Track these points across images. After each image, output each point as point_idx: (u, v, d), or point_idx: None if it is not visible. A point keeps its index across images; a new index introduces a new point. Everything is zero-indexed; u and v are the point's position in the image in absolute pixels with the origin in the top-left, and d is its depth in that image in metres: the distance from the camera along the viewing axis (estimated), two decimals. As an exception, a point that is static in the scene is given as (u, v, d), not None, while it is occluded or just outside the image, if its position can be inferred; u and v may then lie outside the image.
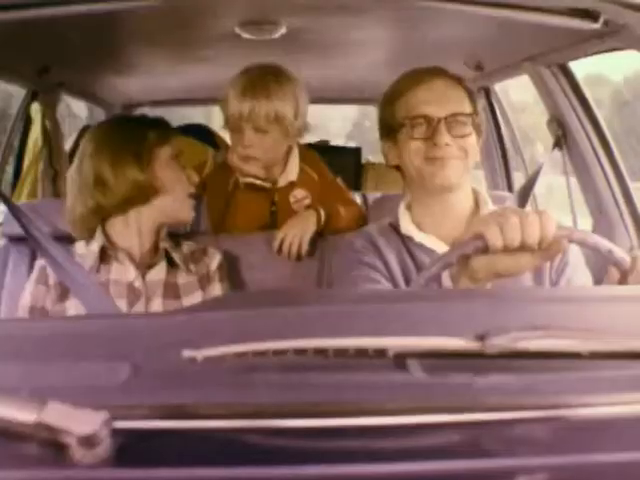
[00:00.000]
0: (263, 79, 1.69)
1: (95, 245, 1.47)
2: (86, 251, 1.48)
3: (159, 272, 1.48)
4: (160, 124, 1.53)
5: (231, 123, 1.71)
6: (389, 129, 1.36)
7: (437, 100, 1.29)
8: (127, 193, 1.46)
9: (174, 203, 1.49)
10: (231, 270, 1.65)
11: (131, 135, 1.49)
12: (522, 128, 2.85)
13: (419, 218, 1.36)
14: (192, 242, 1.58)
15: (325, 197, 1.83)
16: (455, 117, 1.29)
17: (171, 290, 1.47)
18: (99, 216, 1.48)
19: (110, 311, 1.35)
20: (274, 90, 1.68)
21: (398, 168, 1.39)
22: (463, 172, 1.31)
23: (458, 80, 1.35)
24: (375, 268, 1.30)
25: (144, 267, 1.47)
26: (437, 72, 1.34)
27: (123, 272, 1.45)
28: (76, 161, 1.50)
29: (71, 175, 1.51)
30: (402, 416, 0.54)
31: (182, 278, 1.49)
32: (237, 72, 1.76)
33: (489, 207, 1.35)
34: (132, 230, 1.48)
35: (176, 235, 1.57)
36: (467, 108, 1.31)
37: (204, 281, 1.52)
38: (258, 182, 1.75)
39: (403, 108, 1.32)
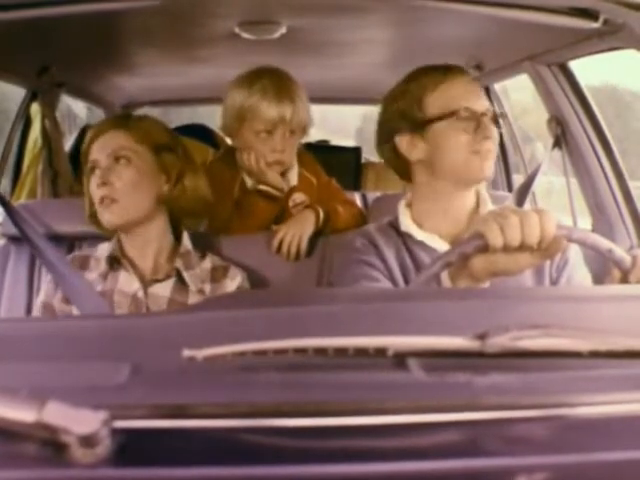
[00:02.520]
0: (288, 82, 1.71)
1: (107, 251, 1.47)
2: (104, 254, 1.48)
3: (164, 289, 1.44)
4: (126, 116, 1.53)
5: (262, 128, 1.69)
6: (415, 124, 1.33)
7: (475, 94, 1.33)
8: (89, 219, 1.52)
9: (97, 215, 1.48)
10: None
11: None
12: (522, 128, 2.85)
13: (419, 216, 1.36)
14: (217, 257, 1.55)
15: (323, 198, 1.83)
16: (490, 111, 1.32)
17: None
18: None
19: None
20: (299, 93, 1.71)
21: (399, 166, 1.39)
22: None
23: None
24: (374, 267, 1.30)
25: (149, 280, 1.45)
26: (459, 69, 1.36)
27: (129, 282, 1.44)
28: None
29: None
30: (402, 415, 0.54)
31: (193, 298, 1.45)
32: (241, 73, 1.75)
33: (488, 206, 1.35)
34: (136, 243, 1.48)
35: (191, 239, 1.54)
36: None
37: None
38: (274, 192, 1.73)
39: (440, 100, 1.31)
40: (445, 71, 1.34)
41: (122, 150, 1.43)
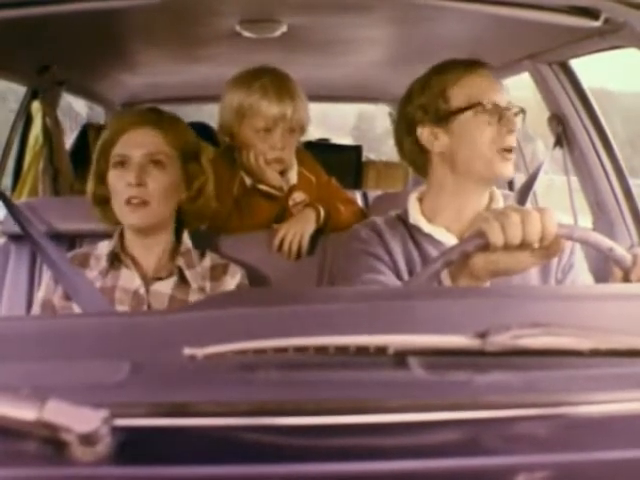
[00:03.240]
0: (287, 80, 1.72)
1: (108, 249, 1.46)
2: (104, 252, 1.47)
3: (166, 286, 1.44)
4: (128, 122, 1.46)
5: (262, 125, 1.69)
6: (438, 116, 1.33)
7: (497, 88, 1.33)
8: (95, 207, 1.50)
9: (117, 211, 1.43)
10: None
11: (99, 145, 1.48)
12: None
13: (431, 210, 1.36)
14: (216, 255, 1.54)
15: (323, 196, 1.83)
16: (512, 106, 1.31)
17: (178, 306, 1.43)
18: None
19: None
20: (298, 92, 1.72)
21: (415, 160, 1.39)
22: None
23: None
24: (379, 258, 1.30)
25: (151, 278, 1.45)
26: (482, 63, 1.36)
27: (130, 279, 1.43)
28: None
29: None
30: (402, 414, 0.54)
31: (194, 296, 1.45)
32: (243, 70, 1.75)
33: (500, 204, 1.35)
34: (138, 241, 1.47)
35: (191, 238, 1.53)
36: None
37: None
38: (273, 192, 1.73)
39: (462, 93, 1.31)
40: (468, 64, 1.34)
41: (159, 154, 1.41)
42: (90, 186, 1.48)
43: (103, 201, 1.47)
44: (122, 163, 1.41)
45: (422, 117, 1.34)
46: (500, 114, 1.29)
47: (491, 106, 1.29)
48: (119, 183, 1.40)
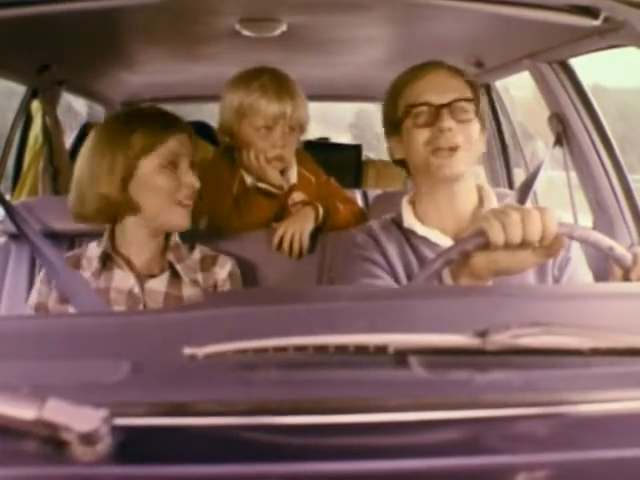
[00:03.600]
0: (286, 79, 1.73)
1: (99, 250, 1.45)
2: (94, 253, 1.46)
3: (160, 283, 1.44)
4: (160, 122, 1.41)
5: (262, 124, 1.69)
6: (393, 124, 1.35)
7: (438, 88, 1.29)
8: (98, 207, 1.40)
9: (161, 214, 1.41)
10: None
11: (113, 142, 1.39)
12: (522, 124, 2.85)
13: (422, 212, 1.36)
14: (206, 247, 1.53)
15: (322, 196, 1.84)
16: (457, 102, 1.28)
17: (173, 302, 1.43)
18: (86, 222, 1.45)
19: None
20: (297, 90, 1.73)
21: (402, 163, 1.39)
22: (468, 163, 1.30)
23: (459, 71, 1.35)
24: (376, 263, 1.30)
25: (145, 276, 1.44)
26: (436, 64, 1.34)
27: (124, 279, 1.43)
28: (77, 160, 1.45)
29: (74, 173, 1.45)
30: (402, 413, 0.54)
31: (187, 290, 1.45)
32: (243, 70, 1.75)
33: (493, 203, 1.35)
34: (129, 238, 1.45)
35: (191, 238, 1.53)
36: (469, 94, 1.31)
37: (210, 293, 1.47)
38: (274, 190, 1.74)
39: (405, 100, 1.31)
40: (421, 68, 1.33)
41: (191, 156, 1.43)
42: (109, 189, 1.39)
43: (118, 205, 1.40)
44: (175, 164, 1.40)
45: (386, 126, 1.39)
46: (435, 114, 1.27)
47: (424, 108, 1.28)
48: (168, 183, 1.40)
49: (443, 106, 1.27)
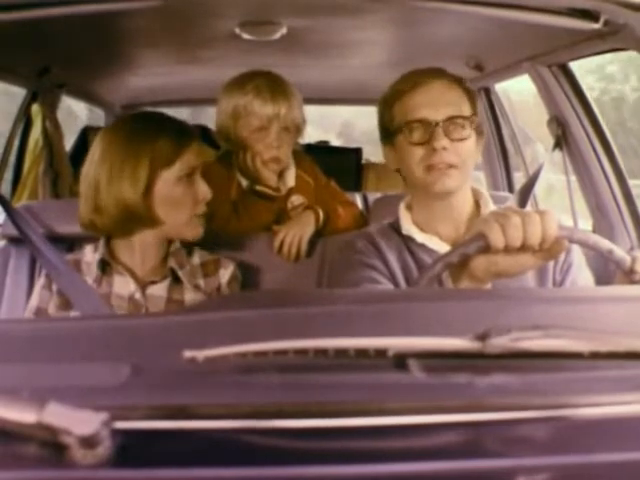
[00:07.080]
0: (281, 81, 1.74)
1: (95, 256, 1.44)
2: (92, 259, 1.45)
3: (161, 289, 1.43)
4: (179, 132, 1.40)
5: (257, 125, 1.70)
6: (388, 133, 1.34)
7: (434, 103, 1.27)
8: (119, 216, 1.36)
9: (178, 225, 1.41)
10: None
11: (136, 150, 1.35)
12: (522, 129, 2.85)
13: (420, 218, 1.36)
14: (204, 251, 1.52)
15: (322, 199, 1.84)
16: (453, 120, 1.27)
17: (175, 307, 1.41)
18: (98, 233, 1.43)
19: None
20: (293, 92, 1.74)
21: (399, 170, 1.39)
22: (462, 179, 1.29)
23: (457, 81, 1.32)
24: (376, 269, 1.30)
25: (146, 282, 1.43)
26: (435, 73, 1.32)
27: (125, 285, 1.42)
28: (86, 163, 1.41)
29: (82, 177, 1.41)
30: (402, 416, 0.54)
31: (189, 295, 1.44)
32: (238, 74, 1.76)
33: (490, 207, 1.35)
34: (135, 249, 1.43)
35: (191, 242, 1.51)
36: (466, 110, 1.29)
37: (214, 297, 1.46)
38: (270, 192, 1.74)
39: (401, 112, 1.30)
40: (419, 77, 1.31)
41: (201, 165, 1.44)
42: (131, 194, 1.35)
43: (139, 214, 1.37)
44: (190, 175, 1.40)
45: (381, 134, 1.38)
46: (429, 132, 1.26)
47: (419, 125, 1.26)
48: (183, 195, 1.39)
49: (438, 124, 1.25)
